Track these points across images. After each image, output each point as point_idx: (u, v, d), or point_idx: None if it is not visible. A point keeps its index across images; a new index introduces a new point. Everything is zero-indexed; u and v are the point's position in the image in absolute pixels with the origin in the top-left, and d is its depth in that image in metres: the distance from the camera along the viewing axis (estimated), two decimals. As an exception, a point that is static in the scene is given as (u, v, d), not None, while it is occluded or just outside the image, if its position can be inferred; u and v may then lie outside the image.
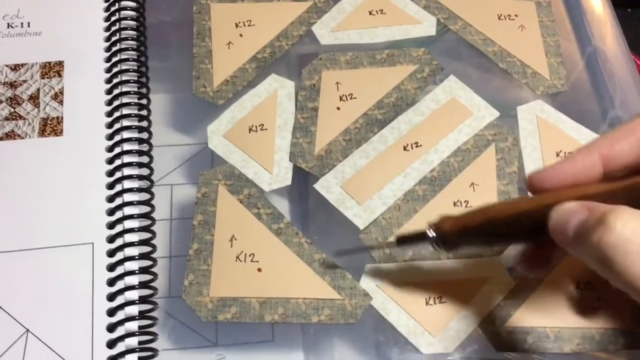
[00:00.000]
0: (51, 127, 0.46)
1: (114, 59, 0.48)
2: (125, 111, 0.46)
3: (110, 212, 0.43)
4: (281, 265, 0.43)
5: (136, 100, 0.47)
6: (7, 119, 0.46)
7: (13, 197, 0.43)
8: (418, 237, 0.38)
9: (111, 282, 0.41)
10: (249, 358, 0.41)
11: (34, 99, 0.46)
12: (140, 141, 0.45)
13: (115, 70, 0.47)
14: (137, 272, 0.41)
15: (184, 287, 0.42)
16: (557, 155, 0.47)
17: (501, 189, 0.46)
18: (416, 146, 0.47)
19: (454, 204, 0.45)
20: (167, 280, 0.43)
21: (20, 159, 0.44)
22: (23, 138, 0.45)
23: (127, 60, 0.48)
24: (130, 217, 0.42)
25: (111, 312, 0.40)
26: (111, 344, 0.39)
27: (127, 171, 0.44)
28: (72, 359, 0.38)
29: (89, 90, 0.47)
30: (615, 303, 0.42)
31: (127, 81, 0.47)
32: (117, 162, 0.44)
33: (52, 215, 0.43)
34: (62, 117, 0.46)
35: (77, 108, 0.46)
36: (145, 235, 0.42)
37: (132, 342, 0.39)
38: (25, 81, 0.47)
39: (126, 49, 0.48)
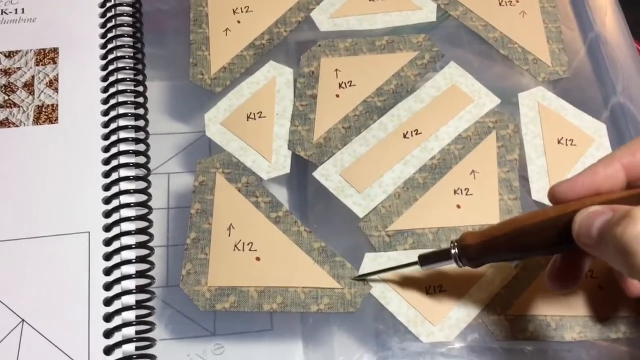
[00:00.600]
0: (46, 114, 0.45)
1: (110, 46, 0.47)
2: (121, 98, 0.45)
3: (107, 201, 0.42)
4: (280, 254, 0.42)
5: (132, 88, 0.46)
6: (1, 106, 0.45)
7: (8, 186, 0.42)
8: (442, 255, 0.38)
9: (108, 271, 0.40)
10: (247, 347, 0.41)
11: (29, 86, 0.46)
12: (136, 129, 0.45)
13: (110, 57, 0.47)
14: (133, 261, 0.40)
15: (181, 276, 0.41)
16: (559, 142, 0.47)
17: (502, 177, 0.45)
18: (416, 134, 0.47)
19: (454, 191, 0.45)
20: (165, 269, 0.42)
21: (15, 147, 0.44)
22: (18, 126, 0.44)
23: (122, 46, 0.47)
24: (127, 205, 0.42)
25: (108, 302, 0.39)
26: (108, 334, 0.39)
27: (123, 159, 0.43)
28: (68, 348, 0.38)
29: (84, 77, 0.46)
30: (617, 291, 0.41)
31: (123, 68, 0.46)
32: (113, 150, 0.44)
33: (48, 204, 0.42)
34: (57, 105, 0.45)
35: (72, 95, 0.46)
36: (142, 224, 0.42)
37: (129, 331, 0.39)
38: (19, 68, 0.46)
39: (122, 36, 0.47)
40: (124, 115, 0.45)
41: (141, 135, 0.45)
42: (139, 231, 0.41)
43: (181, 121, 0.48)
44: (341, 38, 0.51)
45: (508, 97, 0.49)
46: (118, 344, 0.38)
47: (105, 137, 0.44)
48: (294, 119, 0.47)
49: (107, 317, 0.39)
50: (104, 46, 0.47)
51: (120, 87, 0.46)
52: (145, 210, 0.42)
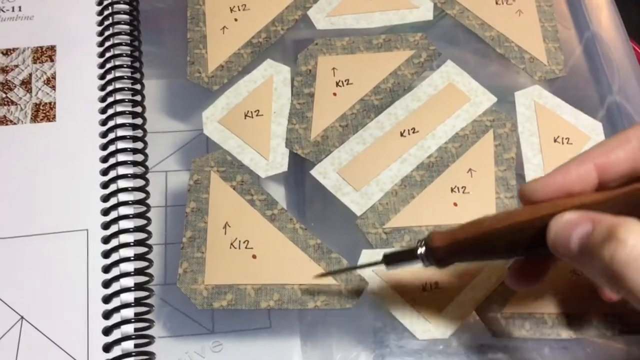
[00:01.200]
0: (44, 112, 0.45)
1: (107, 44, 0.47)
2: (118, 96, 0.45)
3: (105, 199, 0.42)
4: (276, 251, 0.42)
5: (130, 86, 0.46)
6: (-1, 104, 0.45)
7: (6, 184, 0.42)
8: (408, 255, 0.36)
9: (106, 269, 0.40)
10: (246, 345, 0.41)
11: (26, 84, 0.46)
12: (134, 127, 0.45)
13: (108, 55, 0.47)
14: (132, 258, 0.40)
15: (178, 275, 0.41)
16: (555, 140, 0.47)
17: (499, 175, 0.45)
18: (413, 132, 0.47)
19: (452, 189, 0.45)
20: (163, 267, 0.42)
21: (13, 145, 0.44)
22: (15, 124, 0.44)
23: (120, 44, 0.47)
24: (125, 203, 0.42)
25: (106, 299, 0.40)
26: (107, 331, 0.39)
27: (121, 157, 0.44)
28: (68, 346, 0.38)
29: (81, 75, 0.46)
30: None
31: (121, 66, 0.46)
32: (111, 148, 0.44)
33: (46, 202, 0.42)
34: (54, 103, 0.45)
35: (70, 93, 0.46)
36: (141, 222, 0.42)
37: (128, 329, 0.39)
38: (17, 66, 0.46)
39: (119, 33, 0.47)
40: (122, 113, 0.45)
41: (139, 133, 0.45)
42: (137, 229, 0.41)
43: (179, 119, 0.48)
44: (338, 36, 0.51)
45: (504, 96, 0.49)
46: (117, 341, 0.38)
47: (103, 135, 0.44)
48: (292, 117, 0.47)
49: (106, 315, 0.39)
50: (101, 44, 0.47)
51: (118, 85, 0.46)
52: (144, 208, 0.42)
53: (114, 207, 0.42)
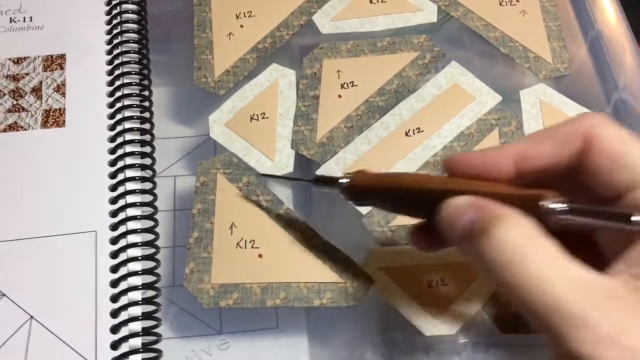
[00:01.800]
0: (54, 118, 0.46)
1: (116, 52, 0.48)
2: (127, 102, 0.46)
3: (113, 201, 0.43)
4: (282, 250, 0.43)
5: (138, 92, 0.47)
6: (10, 111, 0.46)
7: (17, 187, 0.43)
8: (332, 182, 0.38)
9: (114, 269, 0.41)
10: (253, 344, 0.41)
11: (37, 91, 0.47)
12: (142, 131, 0.46)
13: (116, 62, 0.48)
14: (139, 259, 0.41)
15: (185, 275, 0.42)
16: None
17: (504, 173, 0.45)
18: (418, 132, 0.47)
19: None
20: (171, 269, 0.43)
21: (24, 150, 0.45)
22: (26, 130, 0.45)
23: (128, 52, 0.48)
24: (133, 205, 0.43)
25: (114, 298, 0.40)
26: (114, 329, 0.39)
27: (129, 160, 0.44)
28: (76, 344, 0.39)
29: (91, 82, 0.47)
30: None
31: (129, 72, 0.47)
32: (120, 151, 0.45)
33: (56, 204, 0.43)
34: (64, 109, 0.46)
35: (79, 100, 0.47)
36: (148, 223, 0.42)
37: (136, 326, 0.39)
38: (27, 74, 0.47)
39: (127, 42, 0.48)
40: (130, 118, 0.46)
41: (147, 137, 0.46)
42: (144, 230, 0.42)
43: (186, 125, 0.49)
44: (343, 40, 0.51)
45: (510, 96, 0.49)
46: (124, 339, 0.39)
47: (112, 139, 0.45)
48: (297, 119, 0.48)
49: (114, 313, 0.40)
50: (110, 52, 0.48)
51: (126, 91, 0.47)
52: (151, 210, 0.43)
53: (122, 208, 0.43)
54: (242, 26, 0.52)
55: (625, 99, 0.49)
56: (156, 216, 0.43)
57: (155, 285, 0.41)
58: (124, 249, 0.41)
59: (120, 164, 0.44)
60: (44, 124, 0.46)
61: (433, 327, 0.40)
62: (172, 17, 0.53)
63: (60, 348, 0.38)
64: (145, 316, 0.39)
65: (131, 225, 0.42)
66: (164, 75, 0.50)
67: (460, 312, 0.41)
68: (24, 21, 0.49)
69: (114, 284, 0.40)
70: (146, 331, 0.39)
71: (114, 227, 0.42)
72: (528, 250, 0.27)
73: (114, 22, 0.49)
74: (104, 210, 0.43)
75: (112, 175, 0.44)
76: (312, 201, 0.45)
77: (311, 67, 0.50)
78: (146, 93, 0.47)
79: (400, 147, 0.47)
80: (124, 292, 0.40)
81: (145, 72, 0.48)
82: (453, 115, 0.48)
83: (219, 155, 0.46)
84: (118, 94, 0.47)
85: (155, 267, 0.41)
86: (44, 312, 0.40)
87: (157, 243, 0.42)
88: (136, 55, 0.48)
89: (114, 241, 0.42)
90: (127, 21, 0.49)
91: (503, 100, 0.49)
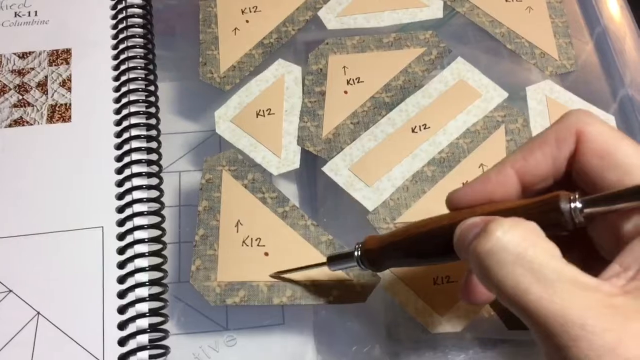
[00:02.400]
0: (59, 113, 0.46)
1: (121, 46, 0.48)
2: (132, 97, 0.46)
3: (120, 197, 0.43)
4: (288, 248, 0.43)
5: (143, 87, 0.47)
6: (15, 105, 0.46)
7: (23, 183, 0.43)
8: (347, 257, 0.37)
9: (121, 265, 0.41)
10: (259, 341, 0.41)
11: (42, 86, 0.47)
12: (148, 127, 0.45)
13: (122, 57, 0.48)
14: (146, 254, 0.41)
15: (191, 272, 0.42)
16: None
17: (511, 170, 0.45)
18: (424, 128, 0.47)
19: (463, 184, 0.45)
20: (177, 265, 0.43)
21: (29, 145, 0.45)
22: (32, 125, 0.45)
23: (134, 47, 0.48)
24: (140, 200, 0.43)
25: (121, 294, 0.40)
26: (122, 326, 0.39)
27: (135, 156, 0.44)
28: (83, 340, 0.39)
29: (96, 77, 0.47)
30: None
31: (135, 68, 0.47)
32: (126, 147, 0.44)
33: (62, 200, 0.43)
34: (70, 104, 0.46)
35: (85, 95, 0.47)
36: (155, 219, 0.42)
37: (143, 323, 0.39)
38: (33, 69, 0.47)
39: (133, 36, 0.48)
40: (136, 113, 0.46)
41: (153, 133, 0.46)
42: (151, 226, 0.42)
43: (192, 120, 0.49)
44: (349, 36, 0.51)
45: (516, 92, 0.49)
46: (132, 335, 0.39)
47: (118, 134, 0.45)
48: (303, 115, 0.48)
49: (121, 309, 0.40)
50: (115, 47, 0.48)
51: (132, 86, 0.47)
52: (158, 206, 0.43)
53: (129, 204, 0.42)
54: (247, 21, 0.52)
55: (631, 95, 0.49)
56: (162, 212, 0.43)
57: (162, 281, 0.41)
58: (130, 245, 0.41)
59: (126, 159, 0.44)
60: (50, 119, 0.46)
61: (439, 324, 0.40)
62: (177, 12, 0.53)
63: (67, 344, 0.38)
64: (153, 312, 0.39)
65: (138, 221, 0.42)
66: (170, 70, 0.50)
67: (466, 309, 0.41)
68: (29, 15, 0.49)
69: (121, 280, 0.40)
70: (153, 328, 0.39)
71: (120, 223, 0.42)
72: (528, 252, 0.26)
73: (120, 16, 0.49)
74: (110, 206, 0.43)
75: (119, 171, 0.44)
76: (318, 198, 0.45)
77: (317, 63, 0.50)
78: (152, 88, 0.47)
79: (407, 144, 0.46)
80: (131, 288, 0.40)
81: (151, 67, 0.48)
82: (459, 111, 0.48)
83: (224, 151, 0.46)
84: (124, 89, 0.47)
85: (162, 263, 0.41)
86: (51, 308, 0.40)
87: (163, 239, 0.42)
88: (142, 50, 0.48)
89: (120, 237, 0.42)
90: (132, 15, 0.49)
91: (509, 97, 0.49)
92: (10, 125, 0.45)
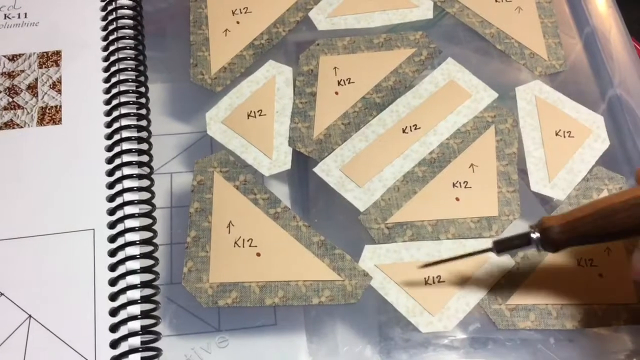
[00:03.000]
0: (50, 115, 0.46)
1: (112, 48, 0.48)
2: (123, 99, 0.46)
3: (111, 199, 0.43)
4: (280, 249, 0.43)
5: (134, 88, 0.47)
6: (5, 108, 0.46)
7: (13, 186, 0.43)
8: (520, 240, 0.36)
9: (113, 267, 0.41)
10: (251, 342, 0.41)
11: (32, 88, 0.47)
12: (139, 128, 0.45)
13: (112, 58, 0.48)
14: (138, 256, 0.41)
15: (183, 274, 0.42)
16: (557, 134, 0.47)
17: (501, 170, 0.46)
18: (415, 128, 0.47)
19: (453, 184, 0.45)
20: (169, 267, 0.43)
21: (20, 148, 0.44)
22: (22, 127, 0.45)
23: (124, 48, 0.48)
24: (131, 202, 0.42)
25: (113, 297, 0.40)
26: (114, 328, 0.39)
27: (126, 158, 0.44)
28: (75, 343, 0.39)
29: (87, 78, 0.47)
30: (617, 279, 0.41)
31: (125, 69, 0.47)
32: (117, 149, 0.44)
33: (53, 203, 0.43)
34: (60, 106, 0.46)
35: (75, 97, 0.46)
36: (146, 221, 0.42)
37: (135, 325, 0.39)
38: (23, 71, 0.47)
39: (123, 38, 0.48)
40: (127, 115, 0.46)
41: (144, 134, 0.45)
42: (142, 228, 0.42)
43: (183, 122, 0.49)
44: (339, 37, 0.51)
45: (506, 92, 0.49)
46: (124, 338, 0.39)
47: (108, 136, 0.45)
48: (294, 116, 0.48)
49: (113, 312, 0.40)
50: (106, 48, 0.48)
51: (123, 87, 0.47)
52: (149, 208, 0.43)
53: (120, 206, 0.42)
54: (238, 22, 0.52)
55: (620, 95, 0.50)
56: (153, 214, 0.43)
57: (154, 283, 0.41)
58: (122, 247, 0.41)
59: (117, 161, 0.44)
60: (40, 122, 0.45)
61: (430, 323, 0.40)
62: (168, 13, 0.52)
63: (59, 348, 0.38)
64: (144, 315, 0.39)
65: (129, 223, 0.42)
66: (160, 71, 0.50)
67: (457, 308, 0.41)
68: (19, 17, 0.49)
69: (113, 282, 0.40)
70: (145, 330, 0.39)
71: (111, 225, 0.42)
72: None
73: (110, 17, 0.49)
74: (101, 208, 0.43)
75: (110, 173, 0.44)
76: (310, 199, 0.45)
77: (308, 64, 0.50)
78: (142, 89, 0.47)
79: (398, 144, 0.47)
80: (123, 290, 0.40)
81: (142, 68, 0.48)
82: (450, 112, 0.48)
83: (215, 153, 0.46)
84: (114, 90, 0.46)
85: (153, 265, 0.41)
86: (43, 311, 0.39)
87: (155, 241, 0.42)
88: (132, 52, 0.48)
89: (112, 239, 0.42)
90: (122, 17, 0.49)
91: (499, 97, 0.49)
92: (0, 128, 0.45)
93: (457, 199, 0.45)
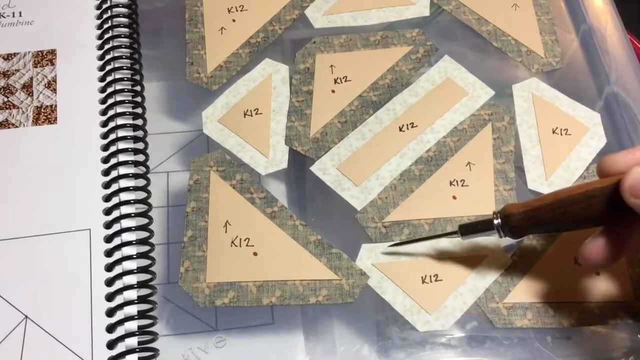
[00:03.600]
0: (45, 115, 0.45)
1: (107, 47, 0.48)
2: (119, 98, 0.46)
3: (107, 198, 0.43)
4: (277, 248, 0.43)
5: (130, 87, 0.46)
6: (0, 108, 0.46)
7: (9, 186, 0.43)
8: (483, 225, 0.38)
9: (109, 267, 0.41)
10: (249, 341, 0.41)
11: (27, 87, 0.46)
12: (134, 127, 0.45)
13: (108, 57, 0.47)
14: (134, 256, 0.41)
15: (180, 274, 0.42)
16: (554, 132, 0.47)
17: (497, 168, 0.46)
18: (412, 127, 0.47)
19: (450, 183, 0.45)
20: (166, 266, 0.43)
21: (15, 148, 0.44)
22: (17, 127, 0.45)
23: (119, 47, 0.48)
24: (127, 202, 0.42)
25: (109, 297, 0.40)
26: (110, 328, 0.39)
27: (122, 157, 0.44)
28: (72, 344, 0.39)
29: (82, 77, 0.47)
30: (614, 276, 0.41)
31: (120, 68, 0.47)
32: (112, 148, 0.44)
33: (49, 203, 0.43)
34: (55, 105, 0.46)
35: (70, 96, 0.46)
36: (143, 221, 0.42)
37: (132, 326, 0.39)
38: (18, 70, 0.47)
39: (119, 36, 0.48)
40: (122, 114, 0.45)
41: (139, 133, 0.45)
42: (139, 227, 0.42)
43: (179, 120, 0.49)
44: (336, 34, 0.51)
45: (503, 89, 0.49)
46: (120, 338, 0.38)
47: (104, 136, 0.45)
48: (291, 114, 0.48)
49: (109, 312, 0.39)
50: (101, 47, 0.48)
51: (118, 86, 0.46)
52: (145, 207, 0.43)
53: (116, 206, 0.42)
54: (234, 20, 0.51)
55: (616, 92, 0.50)
56: (150, 213, 0.43)
57: (151, 283, 0.41)
58: (118, 247, 0.41)
59: (113, 160, 0.44)
60: (36, 121, 0.45)
61: (427, 322, 0.40)
62: (164, 11, 0.52)
63: (56, 348, 0.38)
64: (141, 315, 0.39)
65: (125, 223, 0.42)
66: (156, 69, 0.50)
67: (454, 307, 0.41)
68: (13, 16, 0.49)
69: (109, 282, 0.40)
70: (142, 330, 0.39)
71: (108, 225, 0.42)
72: None
73: (105, 16, 0.49)
74: (97, 208, 0.42)
75: (106, 173, 0.44)
76: (306, 198, 0.45)
77: (304, 62, 0.50)
78: (138, 88, 0.47)
79: (394, 142, 0.47)
80: (119, 291, 0.40)
81: (137, 67, 0.48)
82: (446, 110, 0.48)
83: (211, 152, 0.46)
84: (110, 89, 0.46)
85: (150, 265, 0.41)
86: (39, 312, 0.39)
87: (152, 240, 0.42)
88: (127, 50, 0.48)
89: (108, 239, 0.42)
90: (117, 15, 0.49)
91: (495, 95, 0.49)
92: (-5, 128, 0.45)
93: (454, 197, 0.45)
